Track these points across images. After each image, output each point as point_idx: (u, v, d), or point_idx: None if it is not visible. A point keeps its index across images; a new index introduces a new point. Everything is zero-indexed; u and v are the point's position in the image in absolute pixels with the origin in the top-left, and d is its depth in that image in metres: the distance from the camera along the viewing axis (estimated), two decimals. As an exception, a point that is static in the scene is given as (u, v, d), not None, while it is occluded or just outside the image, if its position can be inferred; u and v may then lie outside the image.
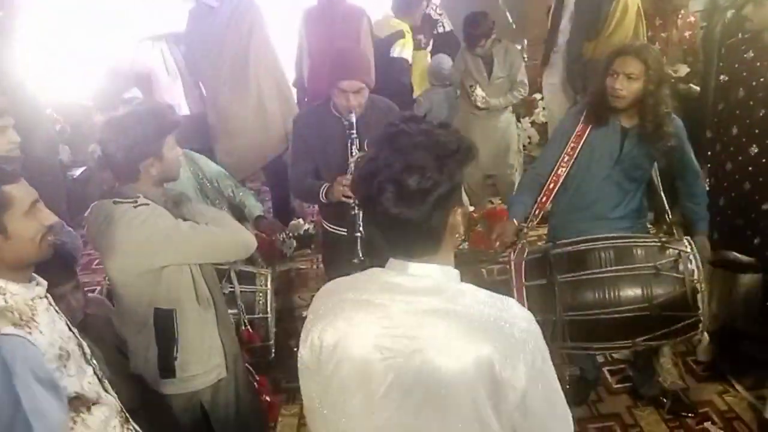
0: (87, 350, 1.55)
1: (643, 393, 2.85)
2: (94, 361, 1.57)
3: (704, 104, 3.05)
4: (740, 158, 2.72)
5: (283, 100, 4.16)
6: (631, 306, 2.28)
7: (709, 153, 2.89)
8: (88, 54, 4.05)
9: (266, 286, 2.51)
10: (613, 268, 2.32)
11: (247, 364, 2.36)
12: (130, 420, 1.65)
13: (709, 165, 2.89)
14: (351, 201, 2.37)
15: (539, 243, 3.16)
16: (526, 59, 4.87)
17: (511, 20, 5.49)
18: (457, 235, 1.18)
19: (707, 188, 2.79)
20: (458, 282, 1.18)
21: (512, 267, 2.46)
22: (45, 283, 1.49)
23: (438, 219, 1.11)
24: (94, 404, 1.50)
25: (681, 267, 2.29)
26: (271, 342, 2.51)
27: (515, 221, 2.57)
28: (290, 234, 2.87)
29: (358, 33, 3.94)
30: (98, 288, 3.12)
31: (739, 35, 2.77)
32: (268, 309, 2.45)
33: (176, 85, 4.63)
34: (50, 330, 1.40)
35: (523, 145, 4.86)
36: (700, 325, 2.30)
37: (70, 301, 2.05)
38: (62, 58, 3.87)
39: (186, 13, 3.96)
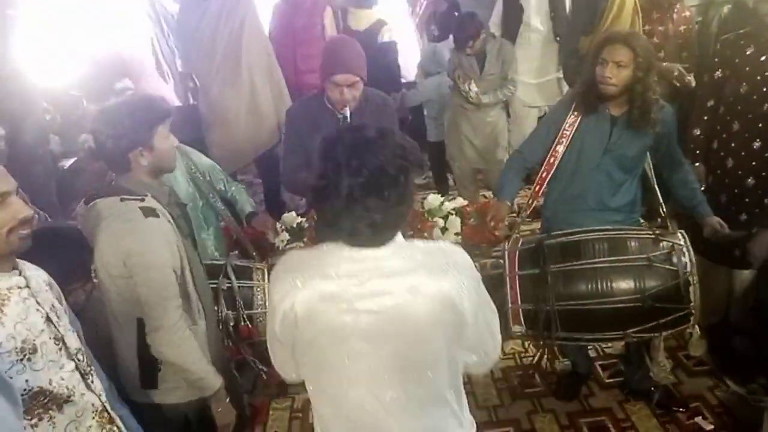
0: (72, 344, 1.52)
1: (634, 388, 2.86)
2: (80, 357, 1.54)
3: (694, 100, 3.04)
4: (743, 154, 2.71)
5: (276, 92, 4.14)
6: (623, 297, 2.28)
7: (698, 151, 2.88)
8: (78, 43, 4.00)
9: (263, 280, 2.49)
10: (606, 258, 2.32)
11: (235, 371, 2.34)
12: (116, 420, 1.61)
13: (698, 163, 2.87)
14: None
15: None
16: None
17: None
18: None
19: (704, 186, 2.79)
20: (403, 240, 1.33)
21: (506, 256, 2.46)
22: (29, 275, 1.46)
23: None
24: (65, 402, 1.47)
25: (674, 259, 2.29)
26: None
27: (507, 202, 2.59)
28: (282, 227, 2.84)
29: (321, 27, 4.17)
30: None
31: (739, 30, 2.75)
32: (266, 304, 2.43)
33: (166, 75, 4.60)
34: (15, 322, 1.38)
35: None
36: (692, 318, 2.30)
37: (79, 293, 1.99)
38: (52, 48, 3.82)
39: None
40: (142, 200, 1.83)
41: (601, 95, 2.42)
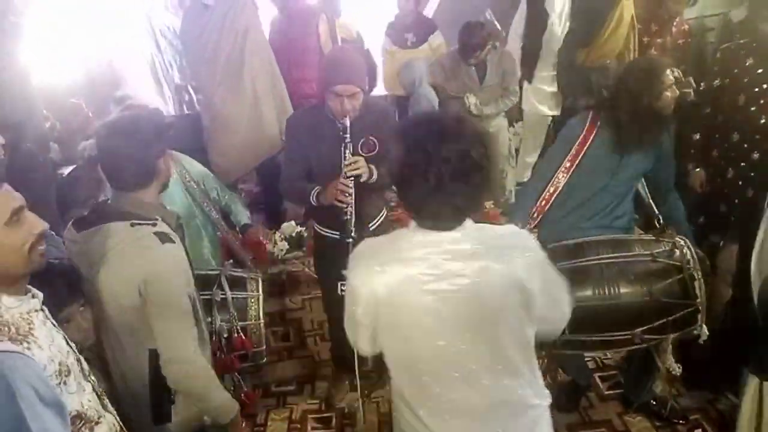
0: (85, 365, 1.48)
1: (633, 399, 2.84)
2: (93, 377, 1.49)
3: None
4: (743, 164, 2.72)
5: (279, 101, 4.15)
6: (629, 293, 2.29)
7: (692, 151, 2.89)
8: (78, 50, 4.01)
9: (257, 291, 2.48)
10: (611, 255, 2.34)
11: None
12: None
13: (699, 168, 2.89)
14: (343, 205, 2.35)
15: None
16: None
17: (500, 28, 5.50)
18: None
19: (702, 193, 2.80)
20: (473, 224, 1.41)
21: None
22: (40, 294, 1.40)
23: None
24: (96, 423, 1.42)
25: (676, 254, 2.31)
26: (264, 347, 2.49)
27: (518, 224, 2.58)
28: (282, 236, 2.84)
29: (317, 36, 4.30)
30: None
31: (740, 41, 2.77)
32: (261, 314, 2.42)
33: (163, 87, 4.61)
34: (49, 344, 1.33)
35: (516, 150, 4.88)
36: (699, 316, 2.30)
37: (80, 322, 1.86)
38: (53, 54, 3.83)
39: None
40: (154, 225, 1.74)
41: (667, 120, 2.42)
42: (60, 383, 1.32)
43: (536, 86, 4.28)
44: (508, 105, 4.10)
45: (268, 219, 4.48)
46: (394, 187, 1.56)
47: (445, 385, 1.46)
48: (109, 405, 1.53)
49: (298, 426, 2.96)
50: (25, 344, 1.26)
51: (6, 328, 1.25)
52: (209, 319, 2.27)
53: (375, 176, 2.42)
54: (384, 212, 2.75)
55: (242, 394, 2.44)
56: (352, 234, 2.33)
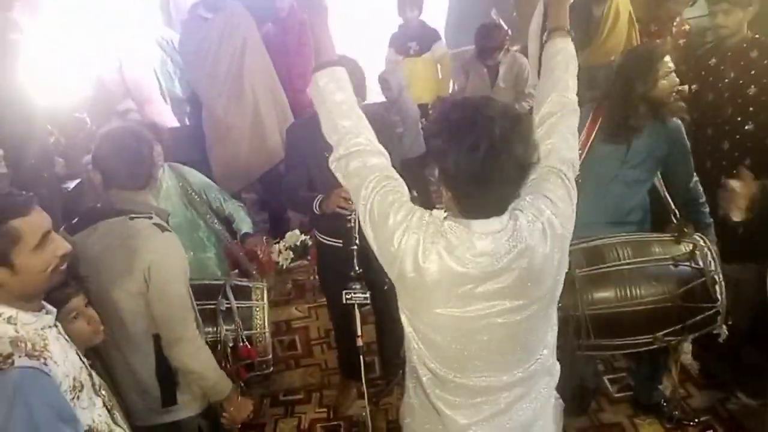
0: (96, 380, 1.48)
1: (643, 402, 2.82)
2: (103, 392, 1.50)
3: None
4: (734, 172, 2.72)
5: (280, 110, 4.17)
6: (651, 298, 2.27)
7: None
8: (83, 65, 4.03)
9: (263, 300, 2.48)
10: (632, 260, 2.31)
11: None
12: None
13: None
14: (346, 212, 2.35)
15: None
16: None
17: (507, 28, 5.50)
18: None
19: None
20: (508, 210, 1.40)
21: None
22: (54, 310, 1.41)
23: None
24: None
25: (698, 257, 2.29)
26: (270, 356, 2.48)
27: None
28: (286, 245, 2.84)
29: (312, 46, 4.15)
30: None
31: (707, 45, 2.83)
32: (266, 323, 2.42)
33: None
34: (63, 360, 1.34)
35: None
36: (719, 318, 2.28)
37: (91, 314, 1.84)
38: (55, 70, 3.85)
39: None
40: (150, 218, 1.85)
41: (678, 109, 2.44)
42: (74, 398, 1.33)
43: None
44: (524, 108, 4.09)
45: (272, 228, 4.48)
46: (437, 175, 1.55)
47: (466, 360, 1.47)
48: (119, 419, 1.53)
49: (307, 435, 2.95)
50: (41, 360, 1.27)
51: (23, 344, 1.26)
52: (215, 328, 2.31)
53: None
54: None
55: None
56: (356, 241, 2.33)
